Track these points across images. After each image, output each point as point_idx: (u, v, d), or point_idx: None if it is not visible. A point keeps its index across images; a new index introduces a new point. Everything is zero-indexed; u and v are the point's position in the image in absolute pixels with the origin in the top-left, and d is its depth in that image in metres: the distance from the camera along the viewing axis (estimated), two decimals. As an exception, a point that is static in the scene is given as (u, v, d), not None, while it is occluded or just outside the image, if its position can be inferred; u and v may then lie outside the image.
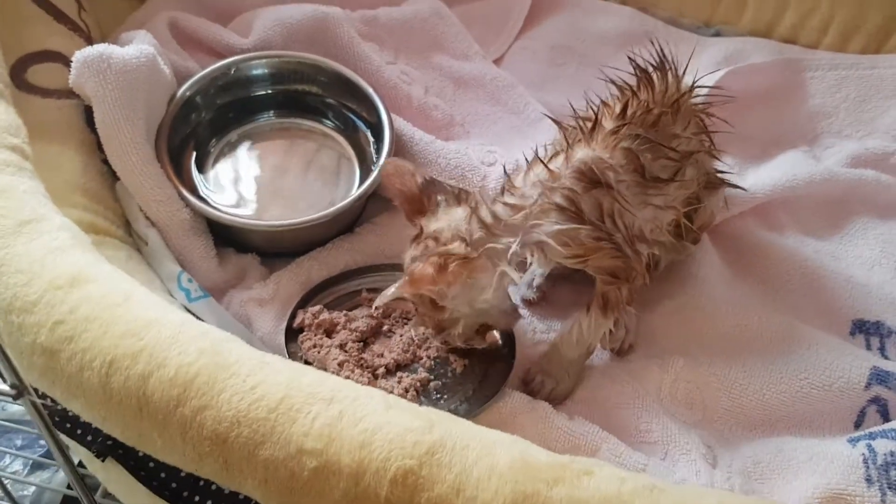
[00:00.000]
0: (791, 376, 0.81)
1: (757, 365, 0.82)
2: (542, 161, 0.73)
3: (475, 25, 1.17)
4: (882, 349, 0.86)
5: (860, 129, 1.06)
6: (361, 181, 0.95)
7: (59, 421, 0.68)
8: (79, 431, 0.67)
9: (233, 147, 0.99)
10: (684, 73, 0.79)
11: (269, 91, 1.01)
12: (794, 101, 1.08)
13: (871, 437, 0.75)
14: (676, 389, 0.81)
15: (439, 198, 0.75)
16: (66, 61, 0.86)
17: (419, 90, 1.05)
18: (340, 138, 1.01)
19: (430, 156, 0.95)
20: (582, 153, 0.72)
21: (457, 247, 0.71)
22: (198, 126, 0.97)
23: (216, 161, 0.97)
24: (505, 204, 0.72)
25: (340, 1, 1.09)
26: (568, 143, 0.74)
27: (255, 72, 0.99)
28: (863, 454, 0.73)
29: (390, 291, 0.72)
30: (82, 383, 0.60)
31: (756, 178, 0.99)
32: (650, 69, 0.77)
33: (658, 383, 0.82)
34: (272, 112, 1.02)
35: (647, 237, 0.75)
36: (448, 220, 0.73)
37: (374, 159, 0.95)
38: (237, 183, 0.95)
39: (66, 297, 0.62)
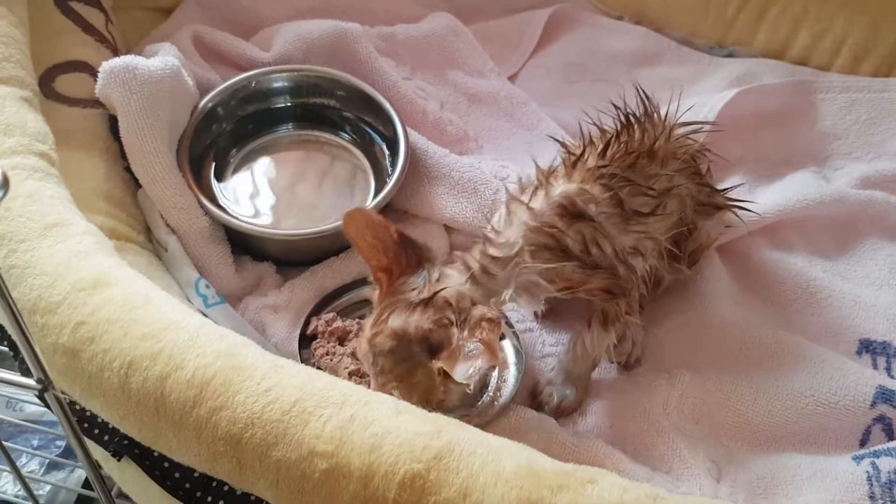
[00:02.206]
0: (797, 393, 0.82)
1: (763, 381, 0.83)
2: (522, 202, 0.73)
3: (491, 43, 1.19)
4: (888, 369, 0.86)
5: (870, 151, 1.07)
6: (376, 193, 0.97)
7: (78, 420, 0.69)
8: (96, 431, 0.69)
9: (252, 158, 1.01)
10: (665, 116, 0.80)
11: (289, 104, 1.03)
12: (805, 123, 1.09)
13: (876, 454, 0.76)
14: (683, 404, 0.82)
15: (414, 256, 0.72)
16: (93, 71, 0.89)
17: (435, 105, 1.07)
18: (357, 151, 1.03)
19: (444, 169, 0.97)
20: (562, 188, 0.73)
21: (487, 310, 0.69)
22: (218, 137, 0.99)
23: (235, 171, 0.99)
24: (493, 258, 0.71)
25: (359, 17, 1.12)
26: (546, 178, 0.74)
27: (275, 85, 1.02)
28: (867, 472, 0.74)
29: (480, 363, 0.66)
30: (102, 383, 0.61)
31: (767, 197, 0.99)
32: (632, 118, 0.78)
33: (665, 398, 0.82)
34: (291, 124, 1.04)
35: (638, 251, 0.76)
36: (453, 284, 0.71)
37: (389, 172, 0.97)
38: (255, 193, 0.98)
39: (89, 300, 0.63)
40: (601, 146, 0.76)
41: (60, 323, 0.63)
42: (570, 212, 0.72)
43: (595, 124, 0.81)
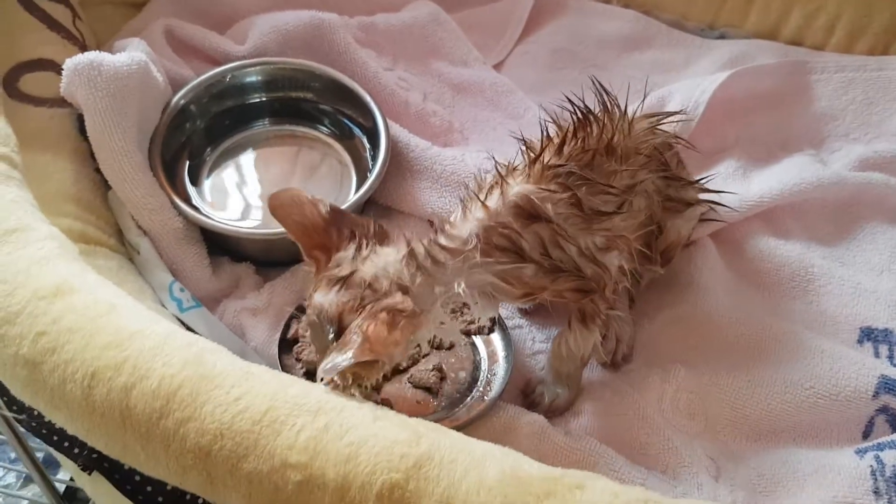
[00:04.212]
0: (796, 385, 0.79)
1: (761, 374, 0.80)
2: (478, 198, 0.70)
3: (475, 31, 1.16)
4: (891, 357, 0.83)
5: (868, 131, 1.04)
6: (358, 187, 0.94)
7: (47, 433, 0.67)
8: (66, 444, 0.67)
9: (228, 155, 0.98)
10: (625, 110, 0.77)
11: (264, 98, 1.00)
12: (801, 104, 1.06)
13: (880, 447, 0.73)
14: (678, 400, 0.79)
15: (348, 231, 0.69)
16: (59, 70, 0.86)
17: (417, 96, 1.04)
18: (337, 145, 1.00)
19: (426, 162, 0.94)
20: (518, 187, 0.69)
21: (401, 300, 0.65)
22: (192, 135, 0.96)
23: (212, 170, 0.96)
24: (442, 247, 0.68)
25: (338, 7, 1.09)
26: (502, 176, 0.70)
27: (249, 79, 0.99)
28: (871, 466, 0.71)
29: (343, 359, 0.61)
30: (65, 395, 0.59)
31: (762, 182, 0.97)
32: (589, 112, 0.74)
33: (659, 393, 0.79)
34: (267, 119, 1.01)
35: (613, 244, 0.72)
36: (380, 263, 0.67)
37: (371, 166, 0.94)
38: (233, 191, 0.94)
39: (49, 308, 0.61)
40: (558, 143, 0.73)
41: (20, 333, 0.61)
42: (527, 212, 0.68)
43: (567, 113, 0.76)
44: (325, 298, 0.66)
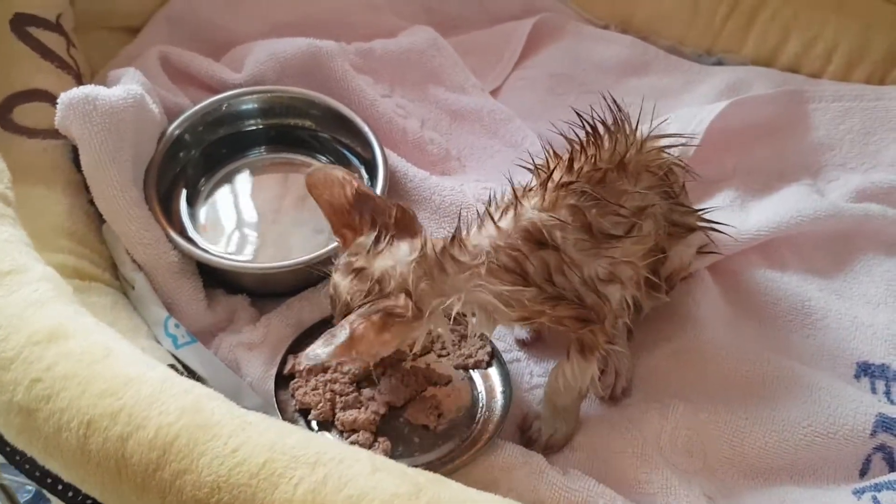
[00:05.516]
0: (794, 423, 0.78)
1: (759, 411, 0.80)
2: (492, 218, 0.70)
3: (473, 55, 1.15)
4: (888, 393, 0.84)
5: (865, 161, 1.04)
6: (355, 218, 0.93)
7: (40, 476, 0.66)
8: (59, 487, 0.66)
9: (224, 184, 0.97)
10: (636, 128, 0.77)
11: (261, 126, 0.99)
12: (798, 133, 1.06)
13: (877, 488, 0.73)
14: (677, 437, 0.79)
15: (369, 217, 0.71)
16: (53, 100, 0.85)
17: (415, 124, 1.04)
18: (334, 174, 0.99)
19: (425, 192, 0.93)
20: (530, 213, 0.70)
21: (402, 304, 0.66)
22: (187, 164, 0.95)
23: (207, 199, 0.95)
24: (454, 259, 0.68)
25: (338, 30, 1.08)
26: (517, 197, 0.71)
27: (245, 107, 0.98)
28: (869, 508, 0.71)
29: (325, 352, 0.63)
30: (60, 444, 0.58)
31: (760, 213, 0.96)
32: (600, 127, 0.75)
33: (658, 430, 0.79)
34: (263, 148, 1.00)
35: (616, 277, 0.72)
36: (390, 261, 0.68)
37: (368, 196, 0.93)
38: (228, 221, 0.94)
39: (44, 354, 0.60)
40: (567, 160, 0.73)
41: (15, 380, 0.60)
42: (535, 238, 0.69)
43: (566, 136, 0.76)
44: (341, 282, 0.69)
